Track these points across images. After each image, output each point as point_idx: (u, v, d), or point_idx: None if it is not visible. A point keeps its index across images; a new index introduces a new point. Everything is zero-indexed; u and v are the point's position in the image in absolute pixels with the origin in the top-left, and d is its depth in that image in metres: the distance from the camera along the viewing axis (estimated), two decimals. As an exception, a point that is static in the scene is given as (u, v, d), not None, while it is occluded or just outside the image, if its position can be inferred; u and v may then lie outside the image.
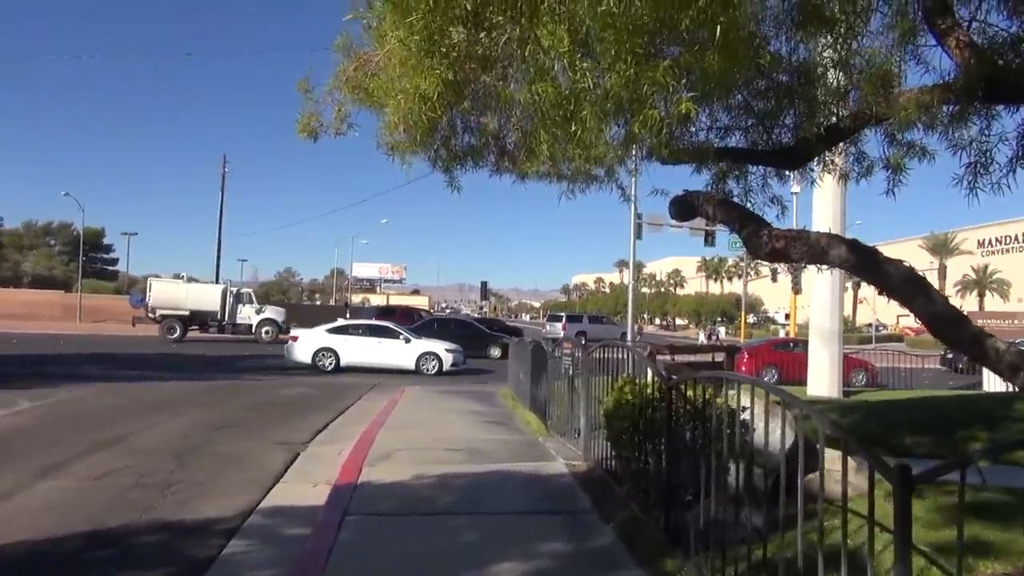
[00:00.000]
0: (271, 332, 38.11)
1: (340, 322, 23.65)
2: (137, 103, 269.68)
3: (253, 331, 37.89)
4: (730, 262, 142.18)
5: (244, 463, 8.02)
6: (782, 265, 67.12)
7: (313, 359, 20.75)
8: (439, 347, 21.80)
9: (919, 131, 5.67)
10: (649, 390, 5.62)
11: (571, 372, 8.13)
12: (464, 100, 5.04)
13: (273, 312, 40.22)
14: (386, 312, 46.98)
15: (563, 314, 53.17)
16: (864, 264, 4.94)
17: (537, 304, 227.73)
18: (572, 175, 6.85)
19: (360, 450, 8.45)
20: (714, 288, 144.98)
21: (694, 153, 6.28)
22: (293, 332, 22.42)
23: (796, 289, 45.98)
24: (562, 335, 48.30)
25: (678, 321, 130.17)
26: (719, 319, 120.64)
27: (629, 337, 37.57)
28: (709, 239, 44.93)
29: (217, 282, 42.79)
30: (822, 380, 17.71)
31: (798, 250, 5.16)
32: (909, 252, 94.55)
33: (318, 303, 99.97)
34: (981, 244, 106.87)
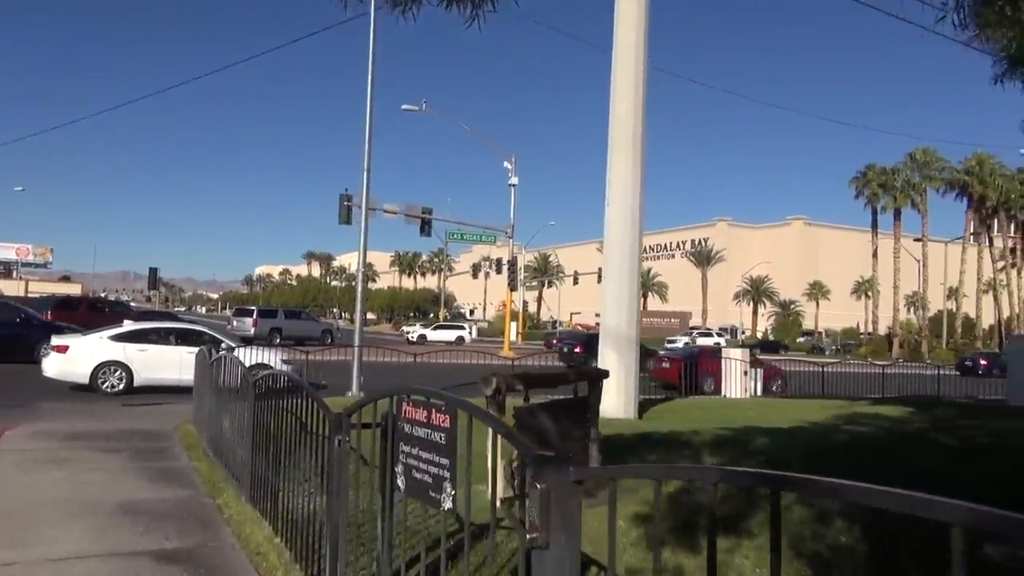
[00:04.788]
0: None
1: (129, 326, 18.38)
2: None
3: None
4: (424, 257, 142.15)
5: None
6: (487, 260, 66.88)
7: (94, 378, 16.19)
8: (272, 357, 17.25)
9: None
10: None
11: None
12: None
13: None
14: (65, 305, 34.39)
15: (253, 308, 45.09)
16: None
17: (215, 295, 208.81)
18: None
19: None
20: (407, 283, 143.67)
21: None
22: (58, 340, 17.04)
23: (512, 285, 44.18)
24: (252, 332, 40.47)
25: (369, 316, 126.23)
26: (411, 314, 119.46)
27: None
28: (426, 228, 40.63)
29: None
30: (616, 397, 14.20)
31: None
32: (588, 254, 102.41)
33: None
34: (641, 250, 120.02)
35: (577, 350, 31.75)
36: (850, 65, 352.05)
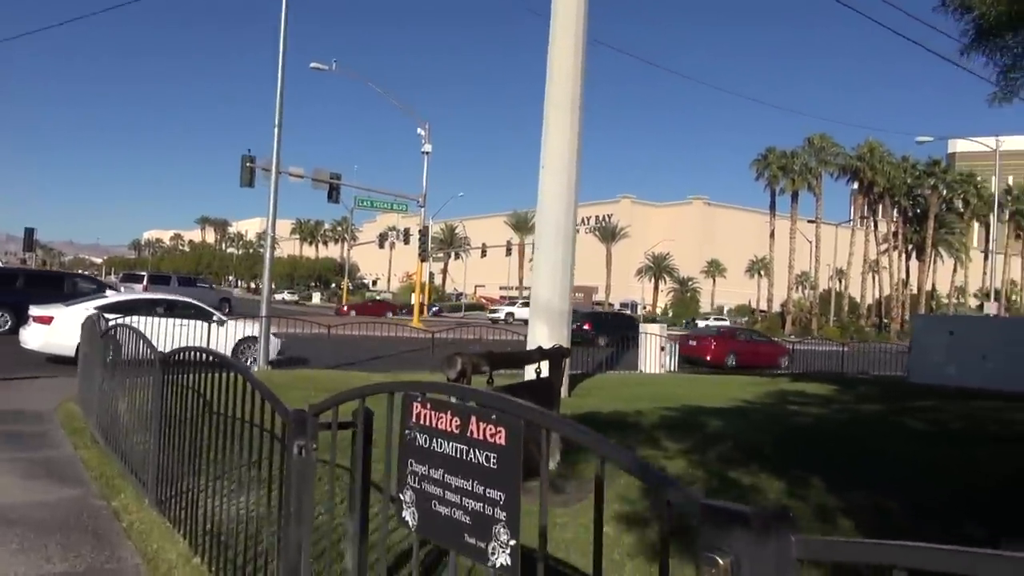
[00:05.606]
0: None
1: (114, 296, 18.12)
2: None
3: None
4: (327, 225, 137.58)
5: None
6: (393, 229, 65.54)
7: (80, 350, 14.56)
8: (260, 330, 17.32)
9: None
10: None
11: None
12: None
13: None
14: None
15: (144, 274, 42.14)
16: None
17: (99, 260, 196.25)
18: None
19: None
20: (308, 252, 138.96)
21: None
22: (39, 311, 16.20)
23: (424, 256, 43.03)
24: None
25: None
26: (313, 284, 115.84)
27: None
28: (333, 195, 38.75)
29: None
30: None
31: None
32: (496, 227, 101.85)
33: None
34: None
35: (586, 327, 31.05)
36: (757, 44, 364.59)
